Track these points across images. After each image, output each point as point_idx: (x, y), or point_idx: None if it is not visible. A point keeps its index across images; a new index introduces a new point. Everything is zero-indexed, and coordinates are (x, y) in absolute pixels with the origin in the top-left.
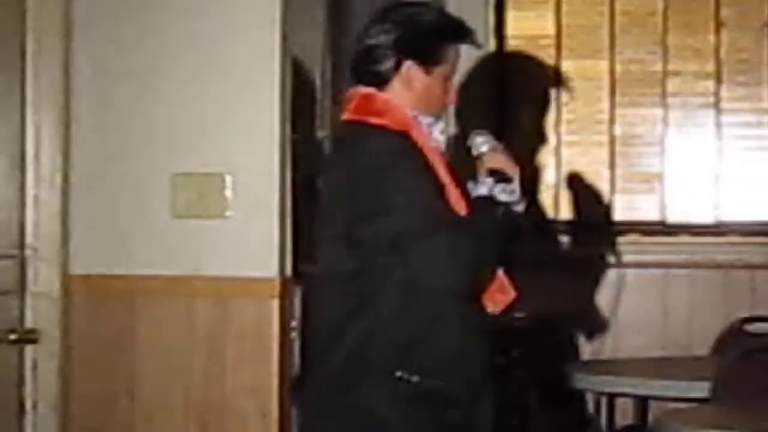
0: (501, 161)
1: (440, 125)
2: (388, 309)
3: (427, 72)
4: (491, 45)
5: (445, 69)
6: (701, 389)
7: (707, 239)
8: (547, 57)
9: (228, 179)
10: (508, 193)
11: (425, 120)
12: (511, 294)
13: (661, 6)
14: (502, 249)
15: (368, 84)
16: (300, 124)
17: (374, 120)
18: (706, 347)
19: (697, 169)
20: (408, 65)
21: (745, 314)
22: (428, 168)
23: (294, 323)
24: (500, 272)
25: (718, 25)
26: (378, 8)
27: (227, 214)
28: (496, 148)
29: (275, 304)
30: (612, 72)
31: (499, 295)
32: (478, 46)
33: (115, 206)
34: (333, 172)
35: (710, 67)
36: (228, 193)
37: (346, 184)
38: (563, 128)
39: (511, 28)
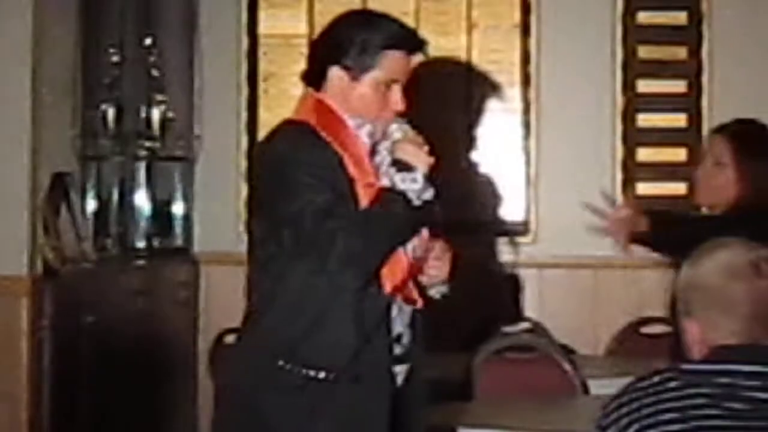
0: (407, 150)
1: (368, 128)
2: (285, 301)
3: (354, 78)
4: (244, 44)
5: (379, 75)
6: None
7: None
8: (299, 56)
9: None
10: (409, 182)
11: (352, 122)
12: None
13: (413, 6)
14: (403, 238)
15: (308, 84)
16: (51, 122)
17: (295, 117)
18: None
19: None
20: (333, 71)
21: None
22: (337, 164)
23: (45, 322)
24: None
25: (470, 26)
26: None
27: None
28: (406, 137)
29: (25, 302)
30: None
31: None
32: (425, 55)
33: None
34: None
35: (462, 67)
36: None
37: (255, 176)
38: None
39: (264, 26)
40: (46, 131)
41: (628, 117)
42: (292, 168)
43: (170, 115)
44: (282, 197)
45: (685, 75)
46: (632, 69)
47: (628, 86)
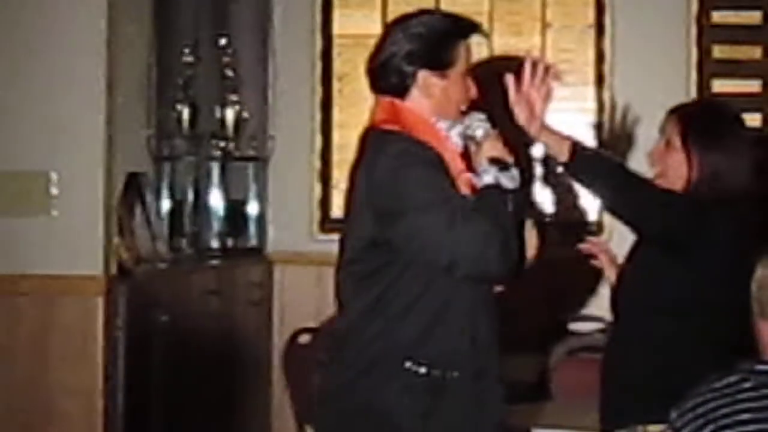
0: (498, 148)
1: (458, 128)
2: (401, 305)
3: (443, 77)
4: (318, 44)
5: (461, 67)
6: None
7: None
8: None
9: (53, 177)
10: (509, 180)
11: (443, 124)
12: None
13: (486, 6)
14: (518, 235)
15: (389, 94)
16: (126, 122)
17: (389, 126)
18: None
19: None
20: (423, 75)
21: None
22: (442, 166)
23: (119, 321)
24: None
25: (544, 26)
26: (391, 21)
27: (52, 212)
28: (490, 134)
29: (100, 301)
30: None
31: None
32: (485, 36)
33: None
34: (354, 180)
35: None
36: (53, 190)
37: (365, 190)
38: None
39: (338, 27)
40: (120, 131)
41: None
42: (412, 173)
43: (244, 115)
44: (409, 206)
45: (759, 75)
46: (707, 69)
47: (702, 86)
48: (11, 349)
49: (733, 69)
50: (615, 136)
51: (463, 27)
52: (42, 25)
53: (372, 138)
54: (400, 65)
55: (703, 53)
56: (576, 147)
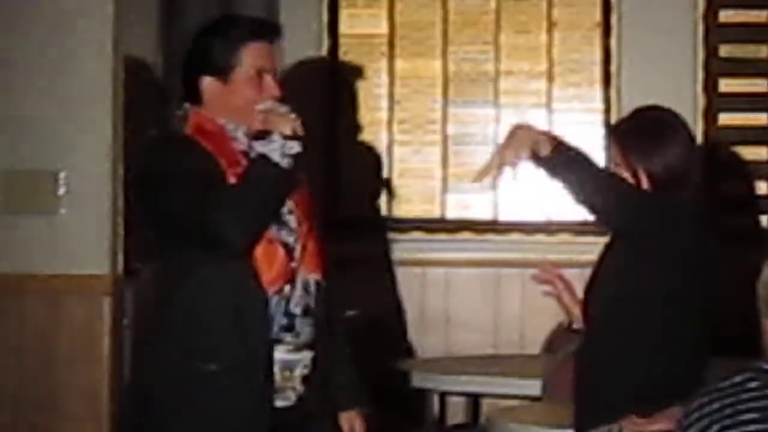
0: (267, 119)
1: (243, 129)
2: (178, 303)
3: (225, 81)
4: (325, 44)
5: (247, 70)
6: (533, 387)
7: (538, 238)
8: (381, 56)
9: (61, 176)
10: (266, 145)
11: (231, 126)
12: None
13: (493, 5)
14: (276, 194)
15: (190, 101)
16: (132, 122)
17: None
18: (538, 346)
19: (529, 168)
20: (206, 82)
21: None
22: (213, 164)
23: (126, 321)
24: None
25: (551, 25)
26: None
27: (60, 211)
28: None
29: (107, 300)
30: (445, 71)
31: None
32: (272, 37)
33: None
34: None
35: (542, 66)
36: (61, 190)
37: (134, 194)
38: (395, 127)
39: (345, 26)
40: (128, 130)
41: (709, 116)
42: (164, 173)
43: None
44: (160, 200)
45: (766, 73)
46: (713, 68)
47: (709, 85)
48: (18, 348)
49: (740, 68)
50: None
51: (253, 30)
52: (50, 24)
53: None
54: (187, 73)
55: (710, 52)
56: (558, 144)
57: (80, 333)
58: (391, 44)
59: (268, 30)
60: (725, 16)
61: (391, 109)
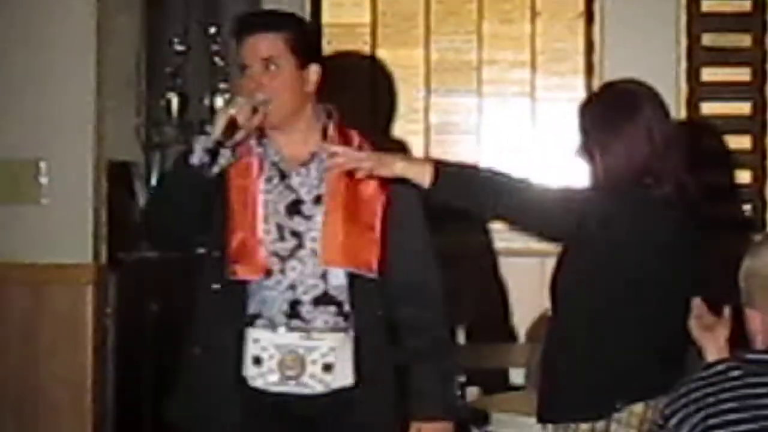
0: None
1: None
2: None
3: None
4: None
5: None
6: (517, 376)
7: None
8: (363, 45)
9: (42, 166)
10: (202, 154)
11: None
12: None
13: None
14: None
15: None
16: (115, 111)
17: None
18: (521, 335)
19: (513, 158)
20: None
21: None
22: None
23: (109, 310)
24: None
25: (534, 14)
26: None
27: (42, 200)
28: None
29: (90, 290)
30: (428, 60)
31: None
32: (243, 33)
33: None
34: None
35: (525, 56)
36: (42, 179)
37: None
38: (378, 117)
39: (327, 16)
40: (110, 120)
41: (692, 106)
42: None
43: None
44: None
45: (749, 63)
46: (696, 57)
47: (692, 75)
48: (1, 338)
49: (723, 57)
50: None
51: (234, 27)
52: (31, 15)
53: None
54: None
55: (693, 41)
56: (438, 168)
57: (63, 322)
58: (374, 33)
59: (244, 25)
60: (708, 5)
61: (373, 98)
